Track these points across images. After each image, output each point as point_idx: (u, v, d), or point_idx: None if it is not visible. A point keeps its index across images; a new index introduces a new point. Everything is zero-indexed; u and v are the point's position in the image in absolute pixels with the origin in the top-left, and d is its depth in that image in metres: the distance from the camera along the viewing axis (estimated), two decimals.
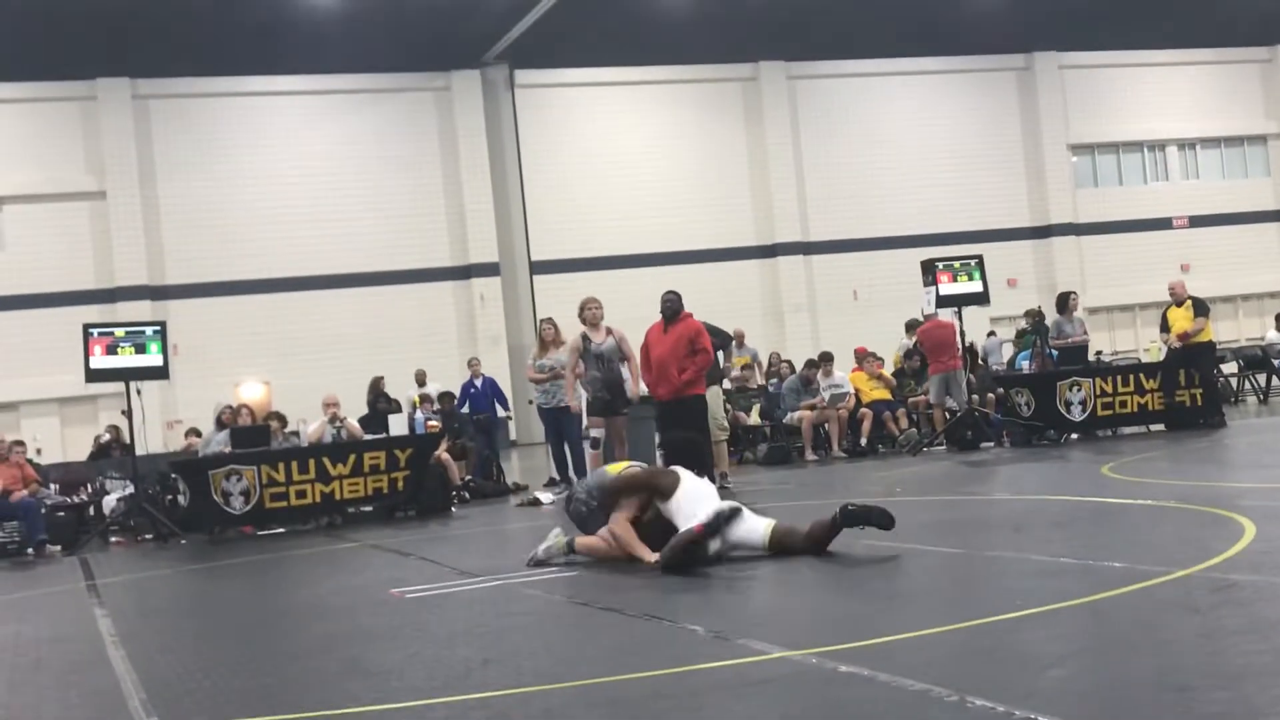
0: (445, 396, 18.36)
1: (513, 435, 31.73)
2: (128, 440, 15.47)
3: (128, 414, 14.58)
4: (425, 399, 19.74)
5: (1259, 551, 6.52)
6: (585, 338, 14.18)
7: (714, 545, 7.80)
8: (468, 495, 15.84)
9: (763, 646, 5.34)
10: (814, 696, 4.50)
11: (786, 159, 35.32)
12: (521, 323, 33.15)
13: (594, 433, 14.37)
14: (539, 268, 33.64)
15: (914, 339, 19.64)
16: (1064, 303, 18.86)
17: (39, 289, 29.56)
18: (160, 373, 14.89)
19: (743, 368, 20.50)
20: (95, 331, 14.64)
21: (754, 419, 19.12)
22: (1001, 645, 5.05)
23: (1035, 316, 20.94)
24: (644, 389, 14.05)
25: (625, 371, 14.00)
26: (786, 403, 18.43)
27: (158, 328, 14.84)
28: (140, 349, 14.50)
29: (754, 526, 7.95)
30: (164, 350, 14.68)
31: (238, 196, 31.55)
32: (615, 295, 30.52)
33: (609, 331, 14.23)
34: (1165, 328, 17.88)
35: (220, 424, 16.01)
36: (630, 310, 19.81)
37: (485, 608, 7.25)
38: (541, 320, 15.83)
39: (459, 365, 29.34)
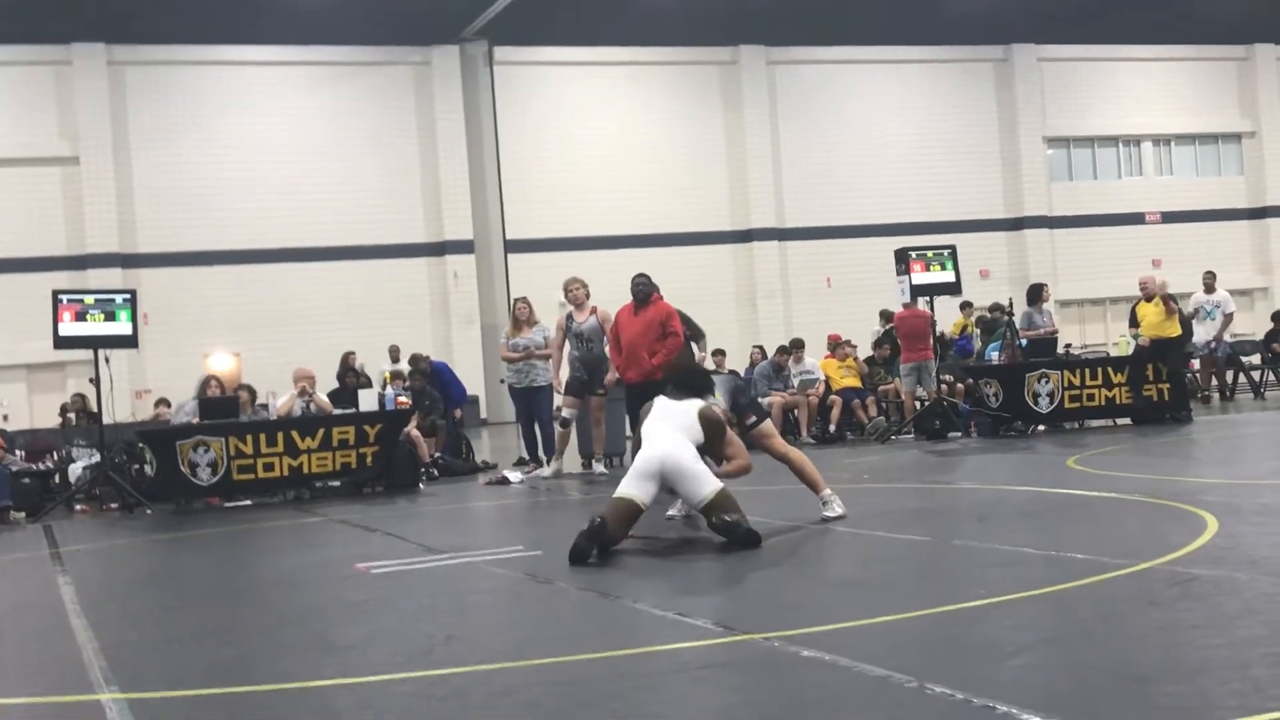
0: (416, 374, 18.30)
1: (483, 414, 31.72)
2: (95, 408, 15.38)
3: (95, 382, 14.50)
4: (397, 375, 19.68)
5: (1220, 547, 6.58)
6: (569, 317, 14.24)
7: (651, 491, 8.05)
8: (436, 472, 15.83)
9: (725, 629, 5.37)
10: (775, 680, 4.53)
11: (764, 144, 35.31)
12: (495, 301, 33.09)
13: (565, 412, 14.39)
14: (514, 246, 33.57)
15: (887, 326, 19.70)
16: (1035, 294, 18.94)
17: (8, 254, 29.32)
18: (129, 341, 14.81)
19: (714, 352, 20.51)
20: (64, 298, 14.55)
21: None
22: (963, 634, 5.09)
23: (997, 310, 20.97)
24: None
25: (607, 352, 14.05)
26: (757, 388, 18.46)
27: (128, 296, 14.76)
28: (110, 317, 14.42)
29: (700, 487, 8.02)
30: (134, 319, 14.61)
31: (212, 166, 31.35)
32: (589, 276, 30.58)
33: (593, 311, 14.27)
34: (1134, 323, 17.98)
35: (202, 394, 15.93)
36: (603, 292, 19.75)
37: (450, 585, 7.26)
38: (516, 299, 15.81)
39: (432, 342, 29.34)
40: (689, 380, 8.71)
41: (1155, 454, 13.13)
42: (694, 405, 8.32)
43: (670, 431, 8.24)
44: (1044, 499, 9.61)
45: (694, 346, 14.99)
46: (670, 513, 9.19)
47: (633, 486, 7.99)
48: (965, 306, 22.78)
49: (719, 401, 8.72)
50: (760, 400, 18.07)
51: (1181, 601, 5.31)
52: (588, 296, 14.47)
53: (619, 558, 7.62)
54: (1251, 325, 35.05)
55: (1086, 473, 11.17)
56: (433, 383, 18.29)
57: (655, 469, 8.05)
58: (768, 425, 9.20)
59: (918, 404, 17.49)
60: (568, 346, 14.47)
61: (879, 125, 36.17)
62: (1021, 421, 16.83)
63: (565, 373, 14.65)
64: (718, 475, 8.43)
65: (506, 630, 5.98)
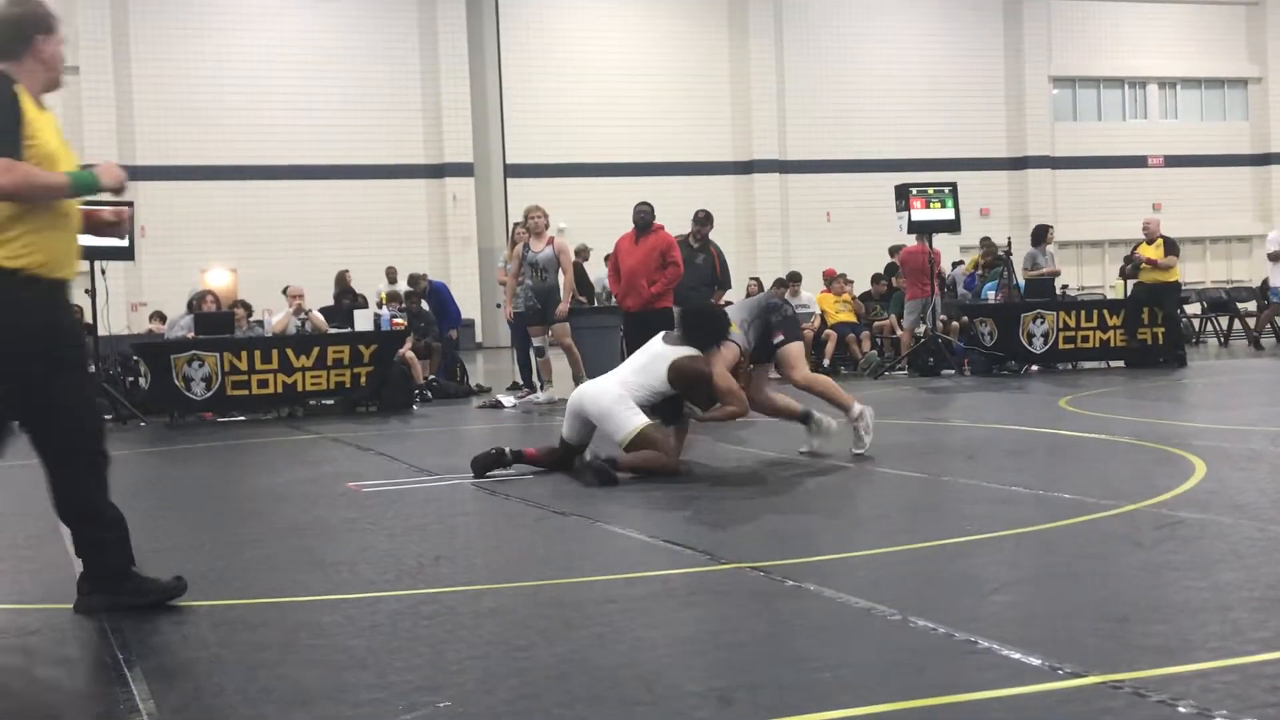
0: (414, 295, 18.29)
1: (478, 338, 31.73)
2: (90, 320, 15.36)
3: (91, 293, 14.48)
4: (393, 296, 19.66)
5: (1207, 491, 6.61)
6: (526, 246, 14.22)
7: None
8: (430, 394, 15.85)
9: (712, 558, 5.40)
10: (760, 608, 4.56)
11: (769, 75, 35.08)
12: (493, 225, 32.99)
13: (536, 341, 14.44)
14: (513, 171, 33.42)
15: (892, 261, 19.66)
16: (1040, 235, 18.90)
17: None
18: (125, 253, 14.76)
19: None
20: None
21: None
22: (948, 569, 5.12)
23: (987, 246, 20.85)
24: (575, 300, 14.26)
25: (561, 282, 14.09)
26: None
27: (125, 208, 14.69)
28: None
29: (619, 428, 8.07)
30: (131, 231, 14.56)
31: (213, 79, 31.14)
32: (588, 203, 30.55)
33: (550, 241, 14.24)
34: (1129, 265, 17.95)
35: (191, 309, 15.92)
36: (602, 219, 19.73)
37: (440, 506, 7.29)
38: (516, 224, 15.76)
39: (429, 264, 29.24)
40: (699, 325, 8.56)
41: (1147, 397, 13.16)
42: (674, 355, 8.29)
43: (624, 372, 8.37)
44: (1034, 438, 9.65)
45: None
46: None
47: (565, 426, 8.40)
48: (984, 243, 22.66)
49: (737, 339, 8.62)
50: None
51: (1166, 543, 5.34)
52: (547, 226, 14.44)
53: (608, 489, 7.65)
54: (1249, 272, 35.09)
55: (1078, 414, 11.20)
56: (431, 302, 18.29)
57: (576, 408, 8.32)
58: (794, 351, 8.87)
59: (916, 340, 17.51)
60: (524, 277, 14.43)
61: (885, 60, 35.92)
62: (1015, 361, 16.86)
63: (517, 297, 14.57)
64: (700, 420, 8.46)
65: (495, 551, 6.02)
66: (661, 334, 8.65)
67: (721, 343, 8.46)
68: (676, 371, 8.18)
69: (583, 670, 3.81)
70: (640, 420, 8.04)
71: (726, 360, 8.42)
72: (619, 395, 8.16)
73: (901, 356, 17.51)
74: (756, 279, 23.05)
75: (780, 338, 8.81)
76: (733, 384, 8.36)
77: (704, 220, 14.96)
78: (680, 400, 8.36)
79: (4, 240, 4.57)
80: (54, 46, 4.89)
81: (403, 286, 20.69)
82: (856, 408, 8.78)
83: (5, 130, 4.56)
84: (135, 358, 14.58)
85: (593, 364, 14.66)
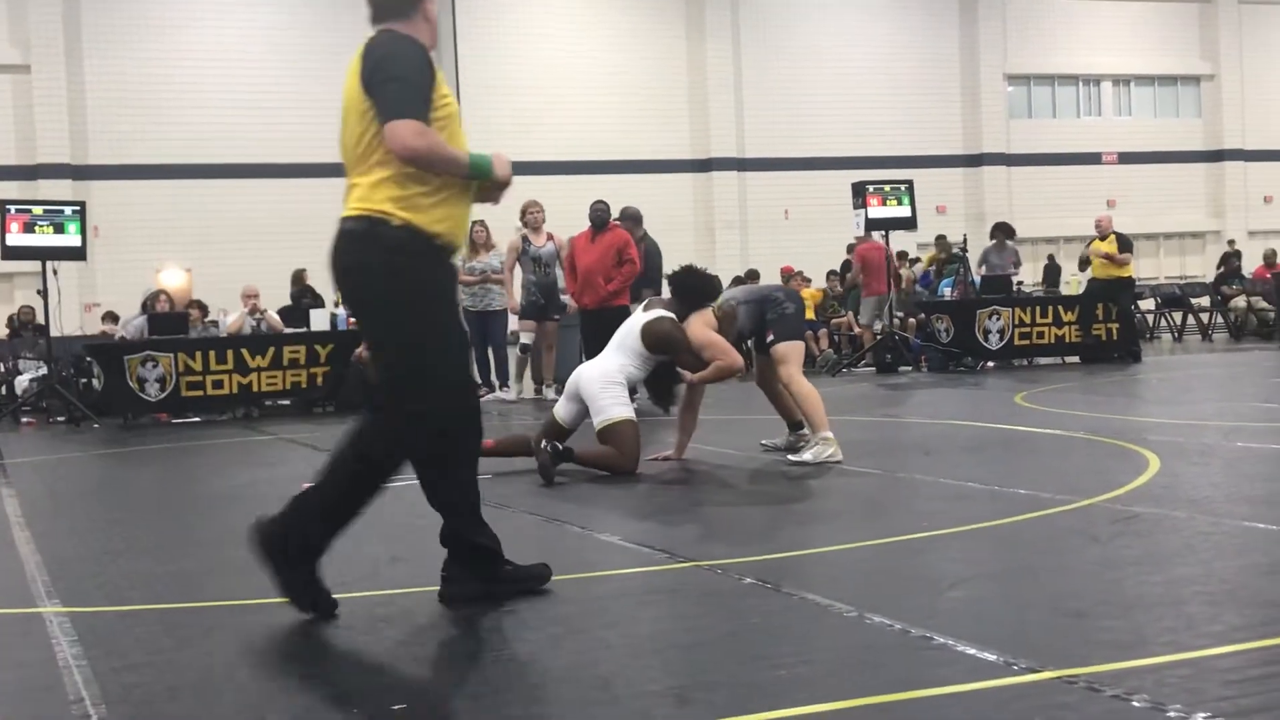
0: None
1: None
2: (42, 321, 15.23)
3: (44, 294, 14.36)
4: None
5: (1161, 485, 6.66)
6: (525, 240, 14.19)
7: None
8: None
9: (670, 556, 5.40)
10: (717, 606, 4.56)
11: (726, 73, 35.09)
12: None
13: (524, 337, 14.38)
14: None
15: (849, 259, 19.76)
16: (1000, 232, 19.05)
17: None
18: (78, 253, 14.66)
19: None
20: (12, 208, 14.37)
21: None
22: (905, 565, 5.13)
23: (942, 243, 21.02)
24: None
25: (561, 278, 14.04)
26: None
27: (77, 208, 14.60)
28: (58, 229, 14.27)
29: (596, 414, 8.08)
30: (83, 231, 14.45)
31: (166, 77, 30.85)
32: (546, 201, 30.43)
33: (550, 237, 14.23)
34: (1085, 263, 18.12)
35: (145, 309, 15.80)
36: (562, 218, 19.65)
37: (397, 506, 7.23)
38: (473, 222, 15.72)
39: None
40: (686, 284, 8.49)
41: (1102, 393, 13.25)
42: (645, 318, 8.25)
43: (610, 350, 8.30)
44: (990, 434, 9.70)
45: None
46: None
47: (559, 406, 8.37)
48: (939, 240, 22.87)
49: (733, 300, 8.53)
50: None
51: (1121, 538, 5.37)
52: (544, 221, 14.43)
53: (569, 485, 7.63)
54: (1202, 268, 35.39)
55: (1034, 409, 11.27)
56: None
57: (573, 389, 8.31)
58: (780, 351, 8.49)
59: (876, 337, 17.58)
60: (519, 271, 14.42)
61: (841, 58, 36.00)
62: (971, 357, 16.95)
63: (517, 292, 14.60)
64: (692, 383, 8.39)
65: None
66: (637, 308, 8.67)
67: (706, 305, 8.37)
68: (649, 333, 8.14)
69: (539, 671, 3.80)
70: (620, 413, 8.00)
71: (707, 320, 8.28)
72: (611, 379, 8.12)
73: (863, 352, 17.57)
74: (715, 276, 23.03)
75: (770, 337, 8.55)
76: (714, 338, 8.16)
77: (635, 218, 14.79)
78: (673, 372, 8.31)
79: (428, 206, 4.52)
80: (435, 4, 4.95)
81: None
82: (828, 433, 8.33)
83: (420, 92, 4.55)
84: (89, 359, 14.46)
85: (558, 362, 14.69)
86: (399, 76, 4.56)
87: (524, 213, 14.43)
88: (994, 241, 18.85)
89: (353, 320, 15.66)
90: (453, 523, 4.71)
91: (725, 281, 20.45)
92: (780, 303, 8.60)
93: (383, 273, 4.48)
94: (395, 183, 4.50)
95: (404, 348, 4.53)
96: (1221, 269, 24.52)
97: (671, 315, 8.24)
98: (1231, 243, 29.99)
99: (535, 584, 4.79)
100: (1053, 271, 24.03)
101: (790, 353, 8.53)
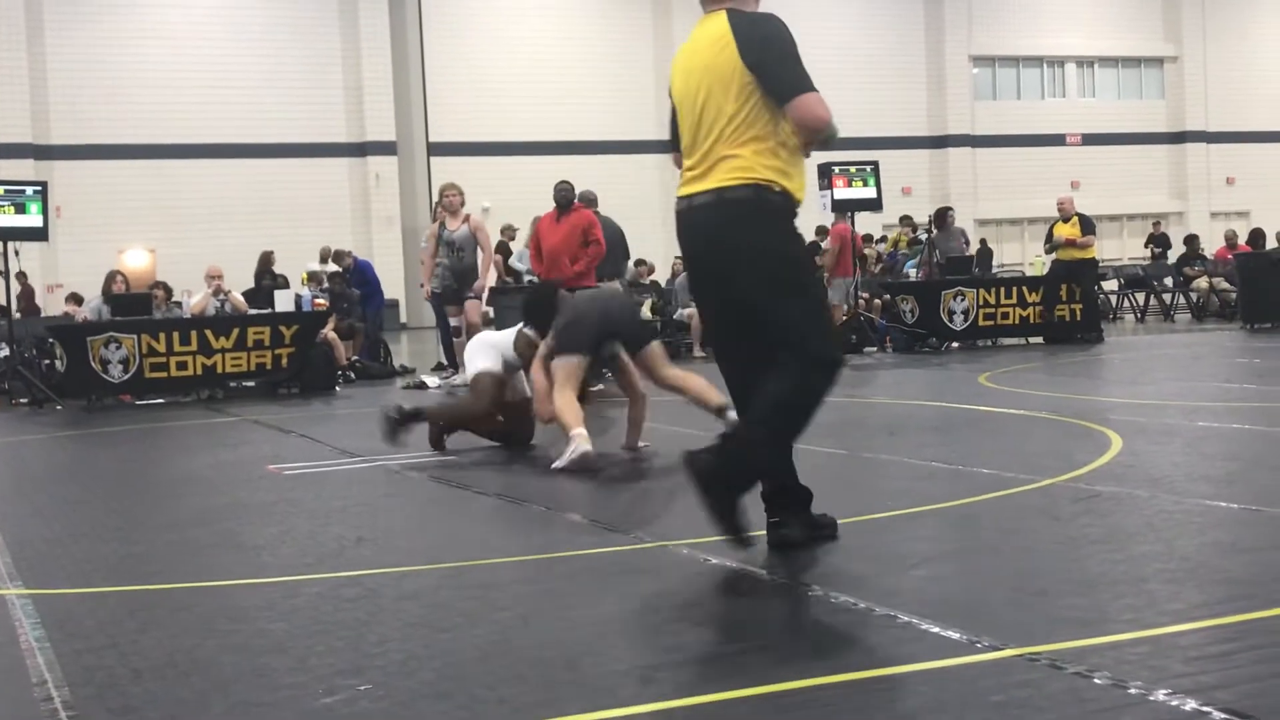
0: (336, 275, 18.12)
1: (402, 318, 31.53)
2: (3, 302, 15.10)
3: (5, 275, 14.24)
4: (314, 276, 19.47)
5: (1123, 464, 6.71)
6: (442, 224, 14.13)
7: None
8: (353, 376, 15.73)
9: (636, 537, 5.41)
10: (682, 586, 4.58)
11: None
12: (417, 204, 32.77)
13: (454, 321, 14.34)
14: (436, 149, 33.19)
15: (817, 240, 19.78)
16: (941, 219, 19.12)
17: None
18: (39, 234, 14.52)
19: (636, 263, 20.49)
20: None
21: (646, 314, 19.14)
22: (869, 544, 5.16)
23: (907, 224, 21.13)
24: (493, 280, 14.23)
25: (480, 261, 14.02)
26: (679, 299, 18.49)
27: (39, 188, 14.45)
28: (20, 209, 14.12)
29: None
30: (45, 211, 14.31)
31: (129, 56, 30.62)
32: (512, 182, 30.40)
33: (465, 220, 14.15)
34: (1049, 240, 18.19)
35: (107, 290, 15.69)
36: (528, 199, 19.65)
37: (362, 487, 7.25)
38: (444, 186, 15.62)
39: (352, 244, 28.93)
40: (530, 305, 8.44)
41: (1065, 373, 13.33)
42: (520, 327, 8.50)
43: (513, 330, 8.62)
44: (954, 414, 9.75)
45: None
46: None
47: (487, 361, 8.48)
48: (904, 220, 22.99)
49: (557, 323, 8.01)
50: (681, 311, 18.12)
51: (1083, 517, 5.41)
52: (463, 204, 14.34)
53: (534, 469, 7.63)
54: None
55: (997, 390, 11.33)
56: (357, 280, 18.13)
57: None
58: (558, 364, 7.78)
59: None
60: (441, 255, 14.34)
61: (808, 39, 35.54)
62: (936, 338, 17.02)
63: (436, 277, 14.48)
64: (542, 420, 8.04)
65: (418, 534, 5.99)
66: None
67: (545, 329, 8.01)
68: (520, 340, 8.45)
69: (505, 651, 3.80)
70: (477, 365, 8.40)
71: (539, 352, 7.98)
72: (487, 344, 8.57)
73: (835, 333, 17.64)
74: (681, 258, 23.07)
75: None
76: (539, 377, 7.80)
77: (590, 201, 14.63)
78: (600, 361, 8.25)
79: (795, 174, 4.81)
80: None
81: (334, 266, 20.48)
82: (580, 429, 7.43)
83: (801, 64, 4.76)
84: (51, 340, 14.34)
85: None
86: (791, 54, 4.80)
87: (442, 195, 14.33)
88: (939, 231, 18.94)
89: (318, 301, 15.59)
90: (783, 476, 5.00)
91: None
92: (575, 324, 7.88)
93: (783, 236, 4.80)
94: (773, 153, 4.76)
95: (806, 301, 4.81)
96: (1185, 250, 24.65)
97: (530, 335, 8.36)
98: (1157, 224, 30.02)
99: (832, 531, 5.13)
100: (985, 256, 23.99)
101: (557, 370, 7.73)
